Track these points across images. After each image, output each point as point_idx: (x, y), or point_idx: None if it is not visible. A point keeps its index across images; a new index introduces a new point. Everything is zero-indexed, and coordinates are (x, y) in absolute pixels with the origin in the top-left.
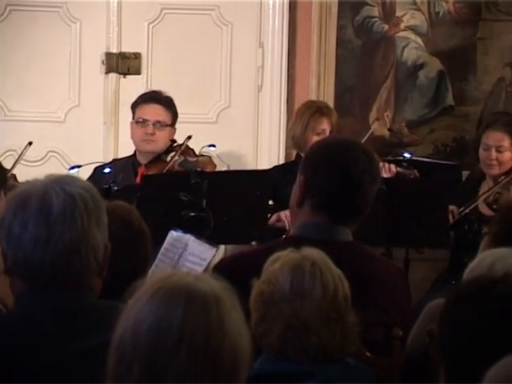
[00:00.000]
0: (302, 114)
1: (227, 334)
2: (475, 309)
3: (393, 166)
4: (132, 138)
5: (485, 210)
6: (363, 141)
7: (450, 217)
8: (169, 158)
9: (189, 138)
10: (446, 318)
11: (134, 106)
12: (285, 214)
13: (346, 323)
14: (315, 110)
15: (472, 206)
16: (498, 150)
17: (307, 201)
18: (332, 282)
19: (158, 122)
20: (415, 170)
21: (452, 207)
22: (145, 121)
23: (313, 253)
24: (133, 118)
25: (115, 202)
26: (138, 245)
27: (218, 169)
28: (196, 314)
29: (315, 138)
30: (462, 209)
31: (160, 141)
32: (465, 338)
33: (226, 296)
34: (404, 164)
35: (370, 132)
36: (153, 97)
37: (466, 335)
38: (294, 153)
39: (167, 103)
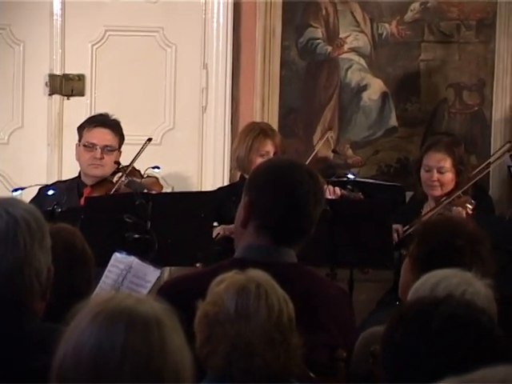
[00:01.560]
0: (246, 136)
1: (169, 355)
2: (418, 329)
3: (337, 189)
4: (78, 160)
5: None
6: (307, 162)
7: (395, 235)
8: (115, 179)
9: (149, 140)
10: (389, 338)
11: (81, 129)
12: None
13: (290, 345)
14: (259, 131)
15: (414, 227)
16: (440, 171)
17: (252, 222)
18: (277, 303)
19: (106, 146)
20: (360, 193)
21: (397, 226)
22: (93, 145)
23: (258, 274)
24: (79, 141)
25: (58, 225)
26: (81, 267)
27: (162, 190)
28: (137, 337)
29: (259, 160)
30: (404, 229)
31: (108, 165)
32: (407, 359)
33: (167, 318)
34: (348, 187)
35: (314, 152)
36: (101, 120)
37: (409, 356)
38: (239, 174)
39: (115, 127)
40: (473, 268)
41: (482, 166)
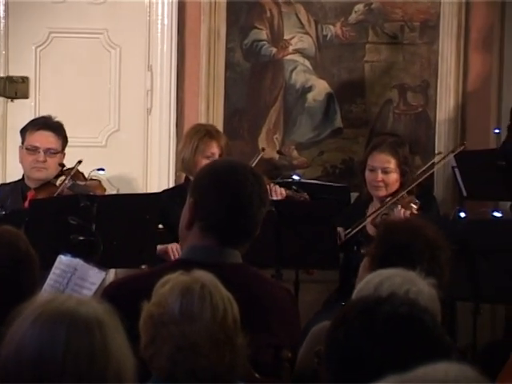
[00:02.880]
0: (191, 138)
1: (111, 357)
2: (360, 328)
3: (283, 190)
4: (21, 163)
5: (372, 231)
6: (253, 165)
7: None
8: (58, 182)
9: (79, 162)
10: (333, 337)
11: (24, 132)
12: (172, 248)
13: (235, 345)
14: (204, 133)
15: (359, 227)
16: (384, 171)
17: (196, 223)
18: (221, 304)
19: (49, 149)
20: (305, 193)
21: (339, 229)
22: (36, 148)
23: (202, 275)
24: (22, 144)
25: (2, 227)
26: (25, 269)
27: (107, 193)
28: (79, 338)
29: (205, 162)
30: (349, 230)
31: (51, 168)
32: (350, 357)
33: (108, 319)
34: (293, 187)
35: (258, 157)
36: (43, 123)
37: (352, 354)
38: (184, 176)
39: (58, 129)
40: (430, 272)
41: (426, 166)
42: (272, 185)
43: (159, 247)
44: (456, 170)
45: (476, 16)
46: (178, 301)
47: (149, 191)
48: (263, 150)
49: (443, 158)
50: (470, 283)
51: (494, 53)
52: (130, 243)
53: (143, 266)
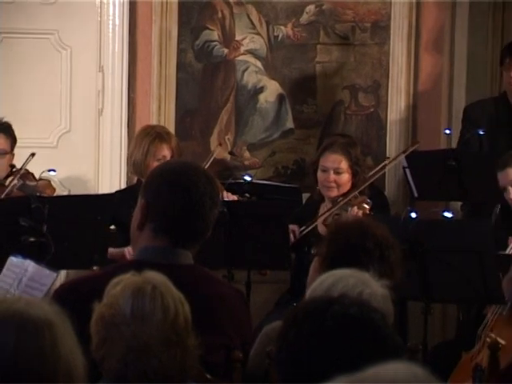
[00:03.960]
0: (142, 141)
1: (61, 358)
2: (310, 329)
3: (235, 197)
4: None
5: (323, 232)
6: (206, 166)
7: (292, 236)
8: (7, 183)
9: (32, 155)
10: (283, 337)
11: None
12: (129, 251)
13: (186, 346)
14: (154, 136)
15: (310, 227)
16: (336, 171)
17: (148, 224)
18: (173, 304)
19: None
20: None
21: (293, 226)
22: None
23: (154, 276)
24: None
25: None
26: None
27: (59, 194)
28: (28, 340)
29: (156, 165)
30: (301, 229)
31: (1, 169)
32: (301, 358)
33: (58, 320)
34: (246, 195)
35: (212, 157)
36: None
37: (302, 355)
38: (135, 177)
39: (6, 130)
40: (381, 273)
41: (379, 167)
42: (225, 192)
43: (115, 251)
44: (407, 170)
45: (427, 17)
46: (130, 301)
47: (100, 192)
48: (220, 144)
49: (394, 158)
50: (421, 283)
51: (444, 53)
52: (82, 244)
53: (94, 267)
